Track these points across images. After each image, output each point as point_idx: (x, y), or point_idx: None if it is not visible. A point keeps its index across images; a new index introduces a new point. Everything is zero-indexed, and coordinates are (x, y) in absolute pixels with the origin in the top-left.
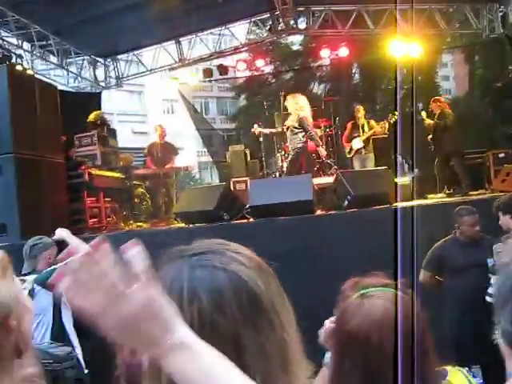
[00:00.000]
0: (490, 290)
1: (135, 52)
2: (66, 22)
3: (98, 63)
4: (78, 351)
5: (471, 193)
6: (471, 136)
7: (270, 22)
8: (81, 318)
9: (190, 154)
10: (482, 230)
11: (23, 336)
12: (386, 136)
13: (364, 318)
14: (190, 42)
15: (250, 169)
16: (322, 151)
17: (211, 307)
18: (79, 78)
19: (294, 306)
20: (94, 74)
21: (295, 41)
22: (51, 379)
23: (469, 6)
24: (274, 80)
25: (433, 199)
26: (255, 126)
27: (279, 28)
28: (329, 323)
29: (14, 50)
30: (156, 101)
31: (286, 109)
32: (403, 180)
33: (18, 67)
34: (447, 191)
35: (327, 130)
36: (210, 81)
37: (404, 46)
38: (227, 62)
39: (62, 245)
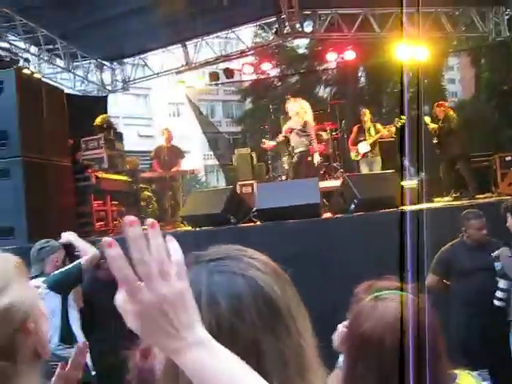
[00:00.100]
0: (498, 294)
1: (141, 56)
2: (72, 26)
3: (105, 67)
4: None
5: (478, 196)
6: (477, 139)
7: (276, 26)
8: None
9: (196, 157)
10: (489, 234)
11: (40, 340)
12: (393, 139)
13: (377, 321)
14: (196, 46)
15: (257, 172)
16: (317, 157)
17: (230, 313)
18: (86, 82)
19: None
20: (101, 78)
21: (301, 44)
22: None
23: (475, 10)
24: (279, 83)
25: (439, 203)
26: (263, 140)
27: (285, 31)
28: (342, 328)
29: (21, 54)
30: (162, 104)
31: (285, 112)
32: (410, 183)
33: (26, 71)
34: (454, 195)
35: (333, 133)
36: (216, 84)
37: (410, 50)
38: (233, 65)
39: (69, 248)
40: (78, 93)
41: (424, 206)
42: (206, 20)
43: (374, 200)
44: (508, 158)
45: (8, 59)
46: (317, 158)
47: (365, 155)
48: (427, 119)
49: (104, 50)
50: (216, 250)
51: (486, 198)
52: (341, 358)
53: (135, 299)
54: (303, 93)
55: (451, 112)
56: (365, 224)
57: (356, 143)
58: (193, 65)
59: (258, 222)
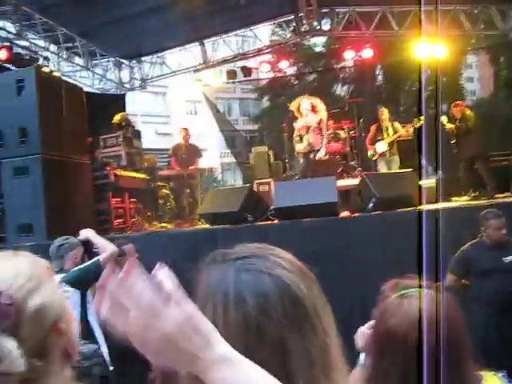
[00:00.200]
0: None
1: (159, 54)
2: (91, 24)
3: (123, 65)
4: (104, 349)
5: (497, 196)
6: (496, 138)
7: (294, 24)
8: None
9: (213, 155)
10: (508, 234)
11: (70, 340)
12: (411, 138)
13: (403, 318)
14: (213, 44)
15: (274, 170)
16: (323, 152)
17: (257, 311)
18: (104, 80)
19: None
20: (119, 76)
21: (318, 42)
22: (77, 376)
23: (494, 7)
24: (296, 82)
25: (458, 202)
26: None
27: (303, 29)
28: (366, 329)
29: (40, 52)
30: (179, 102)
31: (298, 109)
32: (428, 182)
33: (45, 69)
34: (472, 194)
35: (351, 132)
36: (234, 82)
37: (428, 48)
38: (250, 63)
39: (87, 245)
40: (96, 91)
41: (442, 205)
42: (223, 18)
43: (391, 199)
44: None
45: (28, 58)
46: (322, 153)
47: (382, 154)
48: (444, 119)
49: (122, 48)
50: (242, 248)
51: (505, 197)
52: (362, 357)
53: (144, 335)
54: (320, 91)
55: (468, 111)
56: (382, 223)
57: (374, 142)
58: (210, 63)
59: (276, 221)
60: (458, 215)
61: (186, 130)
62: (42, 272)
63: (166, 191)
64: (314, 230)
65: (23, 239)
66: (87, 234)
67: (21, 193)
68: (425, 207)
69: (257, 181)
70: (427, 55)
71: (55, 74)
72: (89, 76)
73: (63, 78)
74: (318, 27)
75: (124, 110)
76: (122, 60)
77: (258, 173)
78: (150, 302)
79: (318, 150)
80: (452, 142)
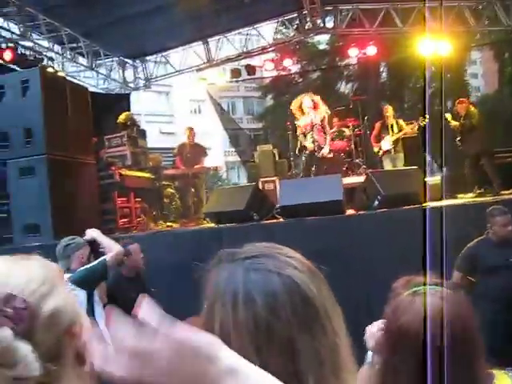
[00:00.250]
0: None
1: (163, 53)
2: (95, 24)
3: (127, 64)
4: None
5: (503, 192)
6: (501, 134)
7: (298, 22)
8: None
9: (218, 153)
10: None
11: (84, 344)
12: (416, 135)
13: (415, 316)
14: (217, 43)
15: (279, 169)
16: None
17: (266, 311)
18: (109, 80)
19: None
20: (123, 76)
21: (322, 40)
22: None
23: (499, 3)
24: (300, 80)
25: (463, 199)
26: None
27: (306, 27)
28: (376, 329)
29: (45, 53)
30: (183, 101)
31: (300, 107)
32: (433, 180)
33: (50, 69)
34: (478, 191)
35: (355, 129)
36: (237, 81)
37: (433, 44)
38: (254, 61)
39: (93, 244)
40: (101, 91)
41: (447, 202)
42: (227, 17)
43: (397, 196)
44: None
45: (32, 58)
46: (326, 150)
47: (387, 151)
48: (449, 116)
49: (126, 48)
50: (251, 247)
51: (510, 194)
52: (369, 354)
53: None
54: (324, 89)
55: (473, 108)
56: (388, 221)
57: (378, 140)
58: (214, 62)
59: (281, 219)
60: (464, 212)
61: (190, 129)
62: (55, 276)
63: (171, 190)
64: (319, 228)
65: (29, 239)
66: (93, 233)
67: (26, 193)
68: (430, 204)
69: (262, 179)
70: (431, 52)
71: (60, 74)
72: (93, 76)
73: (68, 78)
74: (322, 25)
75: (129, 110)
76: (126, 60)
77: (262, 171)
78: (134, 347)
79: (322, 148)
80: (457, 138)
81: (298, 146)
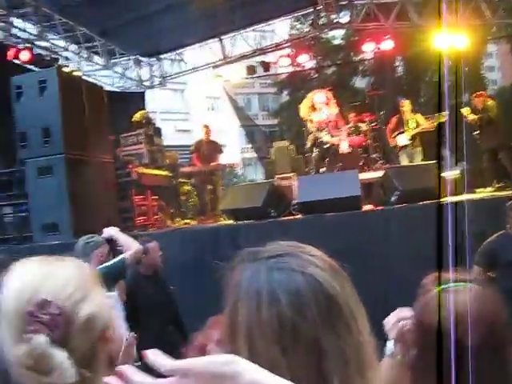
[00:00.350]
0: None
1: (178, 51)
2: (110, 24)
3: (142, 63)
4: None
5: None
6: None
7: (312, 17)
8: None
9: (234, 150)
10: None
11: (116, 348)
12: (434, 129)
13: (445, 313)
14: (232, 40)
15: (295, 165)
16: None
17: (291, 310)
18: (124, 78)
19: None
20: (139, 74)
21: (337, 35)
22: None
23: None
24: (316, 75)
25: (482, 194)
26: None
27: (321, 23)
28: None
29: (61, 53)
30: (199, 98)
31: (312, 106)
32: (451, 174)
33: (66, 69)
34: (496, 185)
35: (372, 124)
36: (252, 77)
37: (449, 38)
38: (269, 58)
39: (111, 243)
40: (116, 89)
41: (465, 197)
42: (242, 13)
43: (415, 192)
44: None
45: (49, 58)
46: (346, 146)
47: (404, 146)
48: (467, 111)
49: (142, 47)
50: (274, 246)
51: None
52: (389, 345)
53: None
54: (340, 84)
55: (490, 101)
56: (406, 216)
57: (395, 135)
58: (229, 59)
59: (299, 216)
60: (483, 207)
61: (207, 126)
62: (90, 279)
63: (188, 188)
64: (337, 224)
65: (49, 238)
66: (111, 231)
67: (45, 192)
68: (448, 199)
69: (278, 176)
70: (448, 45)
71: (76, 73)
72: (109, 75)
73: (84, 77)
74: (337, 20)
75: (144, 108)
76: (141, 58)
77: (279, 167)
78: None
79: (339, 145)
80: (475, 132)
81: (311, 141)
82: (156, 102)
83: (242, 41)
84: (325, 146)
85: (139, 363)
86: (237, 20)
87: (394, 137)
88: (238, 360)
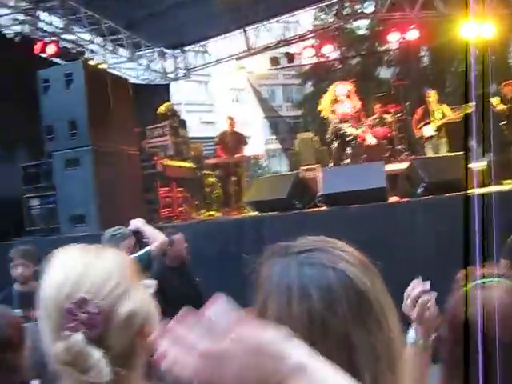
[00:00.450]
0: None
1: (202, 43)
2: (135, 16)
3: (167, 55)
4: None
5: None
6: None
7: (336, 7)
8: None
9: (258, 142)
10: None
11: (155, 343)
12: (460, 120)
13: (480, 308)
14: (256, 31)
15: (319, 156)
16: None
17: (322, 306)
18: (149, 71)
19: None
20: (163, 66)
21: (361, 25)
22: None
23: None
24: (340, 66)
25: (509, 185)
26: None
27: (345, 13)
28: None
29: (86, 46)
30: (223, 90)
31: (336, 97)
32: (478, 165)
33: (92, 62)
34: None
35: (397, 115)
36: (277, 69)
37: (476, 27)
38: (293, 49)
39: (137, 234)
40: (141, 82)
41: (493, 188)
42: (265, 5)
43: (441, 183)
44: None
45: (75, 51)
46: (373, 140)
47: (430, 137)
48: (496, 100)
49: (166, 39)
50: (304, 241)
51: None
52: (411, 333)
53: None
54: (364, 75)
55: None
56: (432, 208)
57: (421, 126)
58: (253, 50)
59: (324, 207)
60: (510, 199)
61: (231, 118)
62: (131, 273)
63: (213, 179)
64: (362, 216)
65: (76, 229)
66: (137, 223)
67: (72, 184)
68: (475, 191)
69: (303, 167)
70: (474, 35)
71: (101, 66)
72: (134, 67)
73: (109, 70)
74: (361, 10)
75: (169, 100)
76: (165, 50)
77: (303, 159)
78: (205, 349)
79: (361, 137)
80: (502, 123)
81: (332, 132)
82: (181, 94)
83: (266, 32)
84: (347, 139)
85: None
86: (261, 11)
87: (420, 128)
88: (289, 340)
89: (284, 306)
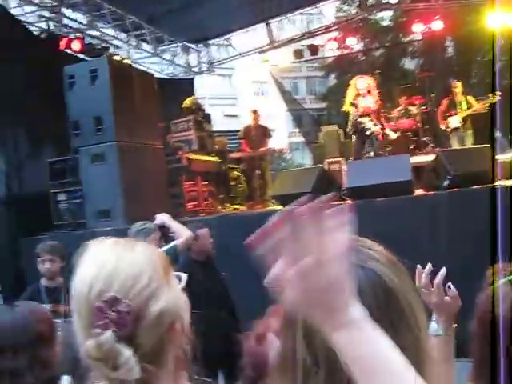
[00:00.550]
0: None
1: (226, 36)
2: (158, 11)
3: (191, 49)
4: None
5: None
6: None
7: None
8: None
9: (281, 135)
10: None
11: (186, 338)
12: (485, 111)
13: (510, 305)
14: (279, 24)
15: (344, 149)
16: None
17: None
18: (173, 65)
19: None
20: (187, 60)
21: (385, 16)
22: None
23: None
24: (363, 58)
25: None
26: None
27: (369, 4)
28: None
29: (110, 41)
30: (246, 83)
31: (357, 90)
32: (504, 157)
33: (116, 57)
34: None
35: (422, 107)
36: (300, 61)
37: (502, 17)
38: (317, 41)
39: (163, 229)
40: (166, 76)
41: None
42: None
43: (468, 176)
44: None
45: (99, 47)
46: (394, 136)
47: (455, 129)
48: None
49: (189, 33)
50: None
51: None
52: (432, 325)
53: (305, 275)
54: (388, 66)
55: None
56: (459, 201)
57: (446, 117)
58: (276, 43)
59: (349, 201)
60: None
61: (255, 111)
62: (163, 269)
63: (237, 173)
64: (388, 209)
65: (102, 224)
66: (163, 218)
67: (98, 179)
68: (501, 183)
69: (327, 160)
70: (500, 24)
71: (126, 61)
72: (158, 62)
73: (133, 65)
74: (385, 1)
75: (193, 94)
76: (189, 44)
77: (327, 152)
78: (324, 247)
79: (381, 133)
80: None
81: (352, 126)
82: (204, 88)
83: (289, 25)
84: (366, 133)
85: None
86: (284, 3)
87: (446, 119)
88: (357, 306)
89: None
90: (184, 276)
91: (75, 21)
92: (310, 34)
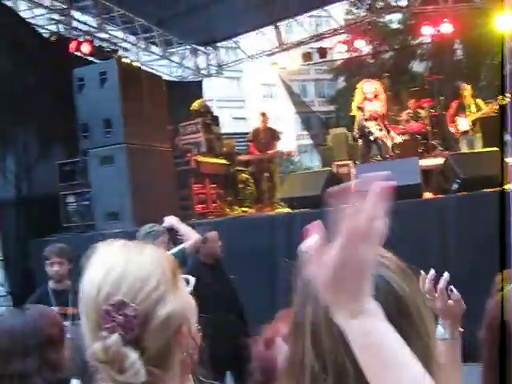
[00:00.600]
0: None
1: (234, 39)
2: (167, 13)
3: (199, 52)
4: None
5: None
6: None
7: (369, 1)
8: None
9: (290, 137)
10: None
11: (192, 341)
12: (494, 114)
13: None
14: (287, 26)
15: (352, 152)
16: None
17: None
18: (182, 68)
19: None
20: (196, 63)
21: (394, 19)
22: None
23: None
24: (372, 60)
25: None
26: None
27: (378, 7)
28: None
29: (119, 44)
30: (255, 86)
31: (364, 94)
32: None
33: (125, 60)
34: None
35: (431, 110)
36: (309, 64)
37: (511, 19)
38: (325, 44)
39: (172, 231)
40: (174, 79)
41: None
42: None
43: (477, 179)
44: None
45: (109, 50)
46: (399, 139)
47: (464, 132)
48: None
49: (198, 36)
50: None
51: None
52: (439, 329)
53: (345, 255)
54: (397, 69)
55: None
56: (468, 204)
57: (455, 120)
58: (285, 46)
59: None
60: None
61: (264, 114)
62: (171, 273)
63: (246, 176)
64: (397, 212)
65: (110, 226)
66: (171, 221)
67: (107, 181)
68: (511, 187)
69: (336, 163)
70: (510, 27)
71: (135, 64)
72: (167, 64)
73: (142, 67)
74: (394, 3)
75: (201, 97)
76: (197, 47)
77: (336, 155)
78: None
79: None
80: None
81: (358, 129)
82: (213, 91)
83: (298, 27)
84: (370, 138)
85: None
86: (292, 6)
87: (455, 122)
88: (371, 298)
89: (321, 312)
90: (192, 279)
91: (85, 23)
92: (319, 37)
